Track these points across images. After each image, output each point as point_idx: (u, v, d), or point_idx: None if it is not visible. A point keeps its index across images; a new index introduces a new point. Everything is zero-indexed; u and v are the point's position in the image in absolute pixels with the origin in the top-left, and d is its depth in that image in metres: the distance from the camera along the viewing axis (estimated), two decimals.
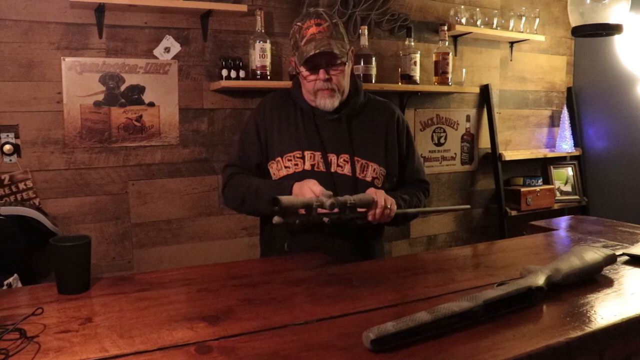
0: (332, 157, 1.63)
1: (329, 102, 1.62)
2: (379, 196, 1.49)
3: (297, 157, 1.62)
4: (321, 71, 1.59)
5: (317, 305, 1.13)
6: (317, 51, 1.54)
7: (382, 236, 1.80)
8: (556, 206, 3.63)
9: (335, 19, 1.63)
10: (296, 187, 1.50)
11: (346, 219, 1.45)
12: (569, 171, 3.81)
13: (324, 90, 1.61)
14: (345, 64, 1.61)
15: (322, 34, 1.57)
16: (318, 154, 1.62)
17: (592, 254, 1.28)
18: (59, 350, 0.92)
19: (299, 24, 1.61)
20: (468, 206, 1.99)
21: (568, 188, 3.79)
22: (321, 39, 1.56)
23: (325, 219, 1.38)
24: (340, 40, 1.59)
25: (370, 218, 1.49)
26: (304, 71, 1.61)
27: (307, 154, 1.62)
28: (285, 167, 1.62)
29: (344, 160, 1.63)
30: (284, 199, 1.31)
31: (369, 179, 1.64)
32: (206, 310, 1.10)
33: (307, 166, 1.61)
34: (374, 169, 1.66)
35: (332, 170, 1.62)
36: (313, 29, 1.58)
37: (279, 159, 1.64)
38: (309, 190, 1.43)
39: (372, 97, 1.79)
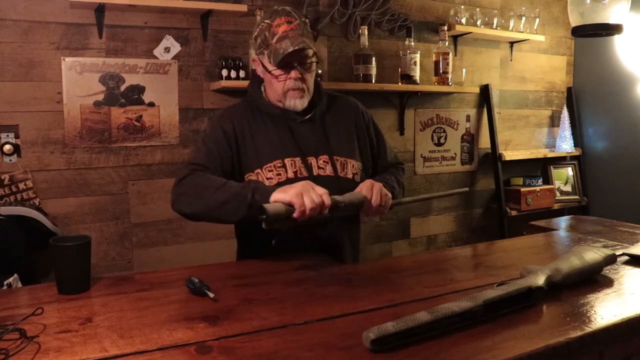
0: (312, 160, 1.58)
1: (299, 103, 1.57)
2: (375, 192, 1.46)
3: (278, 167, 1.55)
4: (294, 71, 1.54)
5: (317, 305, 1.13)
6: (296, 47, 1.49)
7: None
8: (556, 206, 3.63)
9: (303, 17, 1.59)
10: (292, 193, 1.32)
11: (338, 216, 1.44)
12: (569, 171, 3.81)
13: (294, 91, 1.56)
14: (316, 63, 1.59)
15: (294, 31, 1.52)
16: (298, 160, 1.57)
17: (592, 254, 1.28)
18: (59, 350, 0.92)
19: (267, 21, 1.55)
20: (466, 189, 1.94)
21: (568, 188, 3.79)
22: (294, 37, 1.51)
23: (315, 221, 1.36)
24: (310, 39, 1.56)
25: (363, 215, 1.48)
26: (275, 70, 1.55)
27: (287, 161, 1.56)
28: (268, 178, 1.54)
29: (324, 161, 1.60)
30: (271, 208, 1.25)
31: (350, 176, 1.62)
32: (206, 310, 1.10)
33: (290, 174, 1.55)
34: (353, 165, 1.64)
35: (315, 173, 1.57)
36: (285, 26, 1.52)
37: (259, 170, 1.55)
38: (312, 200, 1.30)
39: (333, 94, 1.76)
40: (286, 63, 1.53)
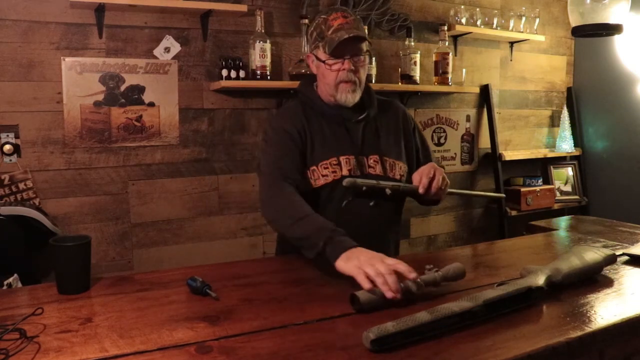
0: (364, 159, 1.63)
1: (350, 97, 1.60)
2: (437, 175, 1.53)
3: (334, 164, 1.59)
4: (347, 61, 1.56)
5: (317, 305, 1.13)
6: (351, 35, 1.53)
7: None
8: (556, 206, 3.63)
9: (357, 15, 1.66)
10: (351, 265, 1.19)
11: (405, 190, 1.56)
12: (569, 171, 3.81)
13: (346, 83, 1.59)
14: (369, 56, 1.62)
15: (350, 24, 1.57)
16: (352, 158, 1.60)
17: (592, 254, 1.28)
18: (59, 350, 0.92)
19: (323, 16, 1.60)
20: (503, 195, 2.02)
21: (568, 188, 3.79)
22: (350, 28, 1.55)
23: (388, 191, 1.53)
24: (365, 34, 1.61)
25: (421, 191, 1.52)
26: (329, 60, 1.58)
27: (342, 159, 1.59)
28: (323, 175, 1.58)
29: (374, 160, 1.63)
30: (362, 296, 1.09)
31: (397, 177, 1.65)
32: (206, 310, 1.10)
33: (345, 172, 1.58)
34: (400, 167, 1.67)
35: (366, 172, 1.61)
36: (341, 19, 1.57)
37: (314, 167, 1.59)
38: (375, 271, 1.12)
39: (379, 97, 1.80)
40: (340, 53, 1.56)
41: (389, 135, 1.70)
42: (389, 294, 1.09)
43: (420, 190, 1.51)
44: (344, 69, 1.57)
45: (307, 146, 1.60)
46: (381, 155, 1.65)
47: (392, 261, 1.17)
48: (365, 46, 1.61)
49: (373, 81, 2.86)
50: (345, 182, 1.47)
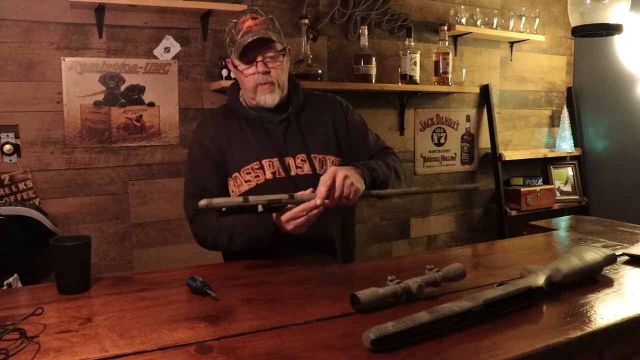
0: (290, 160, 1.59)
1: (269, 98, 1.58)
2: (338, 181, 1.36)
3: (256, 168, 1.57)
4: (259, 63, 1.55)
5: (317, 305, 1.13)
6: (255, 37, 1.51)
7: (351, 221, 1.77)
8: (556, 206, 3.63)
9: (271, 15, 1.61)
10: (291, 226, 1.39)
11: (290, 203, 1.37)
12: (569, 171, 3.81)
13: (263, 85, 1.56)
14: (283, 55, 1.58)
15: (259, 26, 1.54)
16: (275, 160, 1.57)
17: (592, 254, 1.28)
18: (59, 350, 0.92)
19: (234, 20, 1.59)
20: (477, 185, 1.84)
21: (568, 188, 3.79)
22: (258, 30, 1.53)
23: (260, 207, 1.33)
24: (276, 34, 1.57)
25: (318, 202, 1.36)
26: (240, 65, 1.57)
27: (265, 162, 1.57)
28: (246, 181, 1.56)
29: (301, 160, 1.60)
30: (362, 296, 1.07)
31: None
32: (206, 310, 1.10)
33: (269, 175, 1.56)
34: (332, 161, 1.62)
35: (293, 173, 1.58)
36: (249, 22, 1.55)
37: (237, 174, 1.57)
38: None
39: (311, 92, 1.76)
40: (252, 58, 1.55)
41: (317, 130, 1.65)
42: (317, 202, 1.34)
43: (317, 202, 1.35)
44: (258, 72, 1.55)
45: (226, 155, 1.59)
46: (308, 153, 1.60)
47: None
48: (279, 45, 1.57)
49: (373, 81, 2.86)
50: (200, 203, 1.29)
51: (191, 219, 1.56)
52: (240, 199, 1.35)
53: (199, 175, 1.60)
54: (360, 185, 1.42)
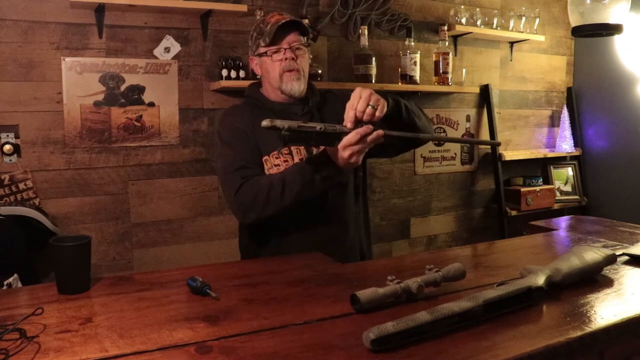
0: (313, 149, 1.65)
1: (296, 85, 1.63)
2: (356, 93, 1.39)
3: (285, 153, 1.64)
4: (287, 50, 1.62)
5: (317, 305, 1.13)
6: (287, 19, 1.59)
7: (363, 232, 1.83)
8: (556, 206, 3.63)
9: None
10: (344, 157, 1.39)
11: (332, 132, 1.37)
12: (569, 171, 3.81)
13: (290, 72, 1.62)
14: (308, 46, 1.67)
15: (286, 17, 1.63)
16: (302, 148, 1.65)
17: (592, 254, 1.28)
18: (59, 350, 0.92)
19: (259, 18, 1.68)
20: (499, 142, 1.83)
21: (568, 188, 3.79)
22: (289, 18, 1.62)
23: (320, 127, 1.33)
24: (302, 23, 1.67)
25: (349, 125, 1.38)
26: (269, 51, 1.63)
27: (293, 148, 1.64)
28: (276, 165, 1.62)
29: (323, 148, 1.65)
30: (362, 296, 1.07)
31: None
32: (206, 310, 1.10)
33: (297, 159, 1.63)
34: None
35: None
36: (277, 16, 1.63)
37: (267, 157, 1.64)
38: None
39: (328, 91, 1.84)
40: (280, 41, 1.62)
41: (338, 120, 1.69)
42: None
43: (349, 125, 1.38)
44: (285, 58, 1.61)
45: (257, 139, 1.64)
46: None
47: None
48: (302, 38, 1.65)
49: (373, 81, 2.86)
50: (263, 123, 1.28)
51: (237, 189, 1.53)
52: (296, 122, 1.32)
53: (239, 150, 1.61)
54: (382, 99, 1.43)
